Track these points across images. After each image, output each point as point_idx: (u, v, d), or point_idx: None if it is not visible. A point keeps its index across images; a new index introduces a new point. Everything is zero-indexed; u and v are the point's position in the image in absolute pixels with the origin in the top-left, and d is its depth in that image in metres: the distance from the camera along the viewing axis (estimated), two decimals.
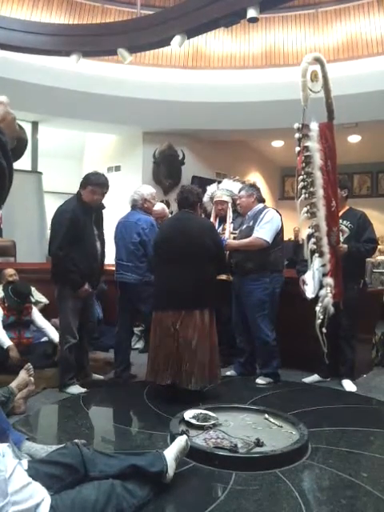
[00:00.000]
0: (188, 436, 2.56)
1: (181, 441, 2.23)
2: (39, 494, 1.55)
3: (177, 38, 4.86)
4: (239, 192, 4.18)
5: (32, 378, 3.19)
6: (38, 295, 4.99)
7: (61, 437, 2.76)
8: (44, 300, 5.02)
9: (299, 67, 2.89)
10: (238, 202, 4.24)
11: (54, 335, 4.32)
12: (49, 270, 5.76)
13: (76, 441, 2.04)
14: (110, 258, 4.14)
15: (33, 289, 4.90)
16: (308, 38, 7.76)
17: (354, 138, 9.17)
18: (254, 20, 4.49)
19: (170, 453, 2.14)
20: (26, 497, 1.51)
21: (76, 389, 3.64)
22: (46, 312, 4.63)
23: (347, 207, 3.94)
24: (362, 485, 2.21)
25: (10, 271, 4.72)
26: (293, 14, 7.77)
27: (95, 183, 3.63)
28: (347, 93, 6.20)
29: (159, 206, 4.64)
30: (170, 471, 2.08)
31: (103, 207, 3.87)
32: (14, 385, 3.07)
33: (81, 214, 3.60)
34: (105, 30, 5.66)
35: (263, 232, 3.86)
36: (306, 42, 7.72)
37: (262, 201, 4.17)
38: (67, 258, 3.55)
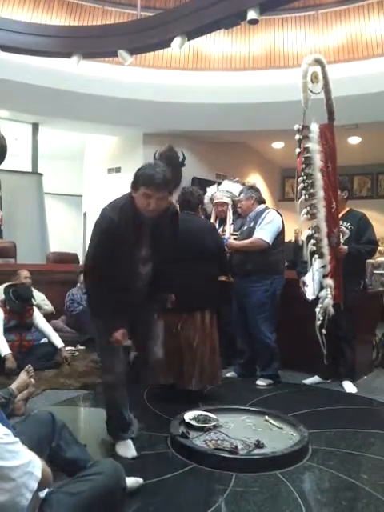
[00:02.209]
0: (188, 437, 2.56)
1: (138, 481, 2.13)
2: (26, 455, 1.41)
3: (177, 40, 4.86)
4: (239, 195, 4.19)
5: (33, 380, 3.20)
6: (43, 301, 4.98)
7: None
8: (48, 307, 5.00)
9: (300, 68, 2.89)
10: (238, 205, 4.24)
11: (57, 341, 4.33)
12: (49, 271, 5.73)
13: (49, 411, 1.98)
14: None
15: (42, 296, 4.91)
16: (308, 39, 7.76)
17: (355, 140, 9.17)
18: (254, 22, 4.49)
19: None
20: (10, 454, 1.36)
21: (124, 448, 2.57)
22: (47, 316, 4.62)
23: (347, 208, 3.94)
24: (363, 486, 2.21)
25: (25, 273, 4.73)
26: (293, 15, 7.78)
27: (148, 183, 2.38)
28: (347, 94, 6.19)
29: None
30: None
31: (174, 211, 2.72)
32: (14, 386, 3.07)
33: (126, 223, 2.43)
34: (105, 32, 5.66)
35: (263, 233, 3.86)
36: (306, 44, 7.72)
37: (263, 202, 4.17)
38: (100, 277, 2.47)
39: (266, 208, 4.09)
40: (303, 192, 2.92)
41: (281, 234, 3.97)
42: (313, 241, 2.98)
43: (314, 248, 2.97)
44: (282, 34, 7.85)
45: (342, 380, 3.90)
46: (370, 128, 8.10)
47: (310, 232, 3.00)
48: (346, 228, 3.81)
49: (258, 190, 4.21)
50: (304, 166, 2.91)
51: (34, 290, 4.62)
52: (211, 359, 3.41)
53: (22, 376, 3.16)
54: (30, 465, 1.40)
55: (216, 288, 3.55)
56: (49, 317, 4.69)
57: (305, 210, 2.94)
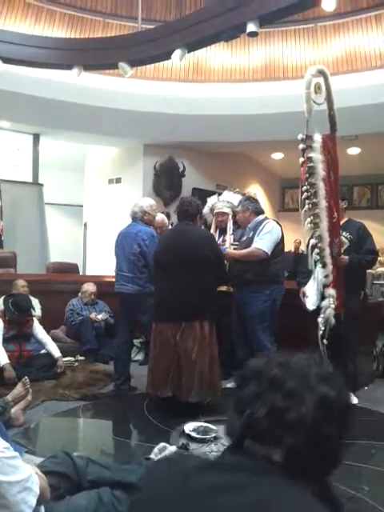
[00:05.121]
0: (188, 449, 2.54)
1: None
2: (26, 470, 1.39)
3: (177, 52, 4.90)
4: (237, 207, 4.20)
5: (30, 392, 3.17)
6: (37, 305, 4.97)
7: (60, 449, 2.72)
8: (37, 313, 4.95)
9: (302, 80, 2.92)
10: (237, 217, 4.26)
11: (55, 350, 4.32)
12: (49, 281, 5.71)
13: (65, 451, 1.99)
14: (110, 270, 4.13)
15: (36, 301, 4.90)
16: (307, 51, 7.83)
17: (354, 151, 9.22)
18: (253, 34, 4.52)
19: None
20: (11, 469, 1.33)
21: None
22: (44, 324, 4.60)
23: (346, 218, 3.94)
24: (364, 498, 2.19)
25: (21, 282, 4.74)
26: (292, 28, 7.85)
27: None
28: (346, 105, 6.22)
29: (159, 217, 4.68)
30: None
31: None
32: (10, 397, 3.06)
33: None
34: (106, 44, 5.71)
35: (262, 243, 3.86)
36: (306, 56, 7.79)
37: (261, 212, 4.16)
38: None
39: (265, 218, 4.09)
40: (306, 201, 2.94)
41: (280, 244, 3.97)
42: (317, 250, 2.98)
43: (318, 257, 2.98)
44: (282, 46, 7.92)
45: None
46: (370, 139, 8.15)
47: (314, 241, 3.00)
48: (346, 238, 3.80)
49: (255, 201, 4.20)
50: (307, 175, 2.92)
51: (29, 296, 4.62)
52: (211, 370, 3.38)
53: (18, 387, 3.14)
54: (29, 480, 1.37)
55: (215, 298, 3.53)
56: (47, 326, 4.66)
57: (308, 219, 2.94)
